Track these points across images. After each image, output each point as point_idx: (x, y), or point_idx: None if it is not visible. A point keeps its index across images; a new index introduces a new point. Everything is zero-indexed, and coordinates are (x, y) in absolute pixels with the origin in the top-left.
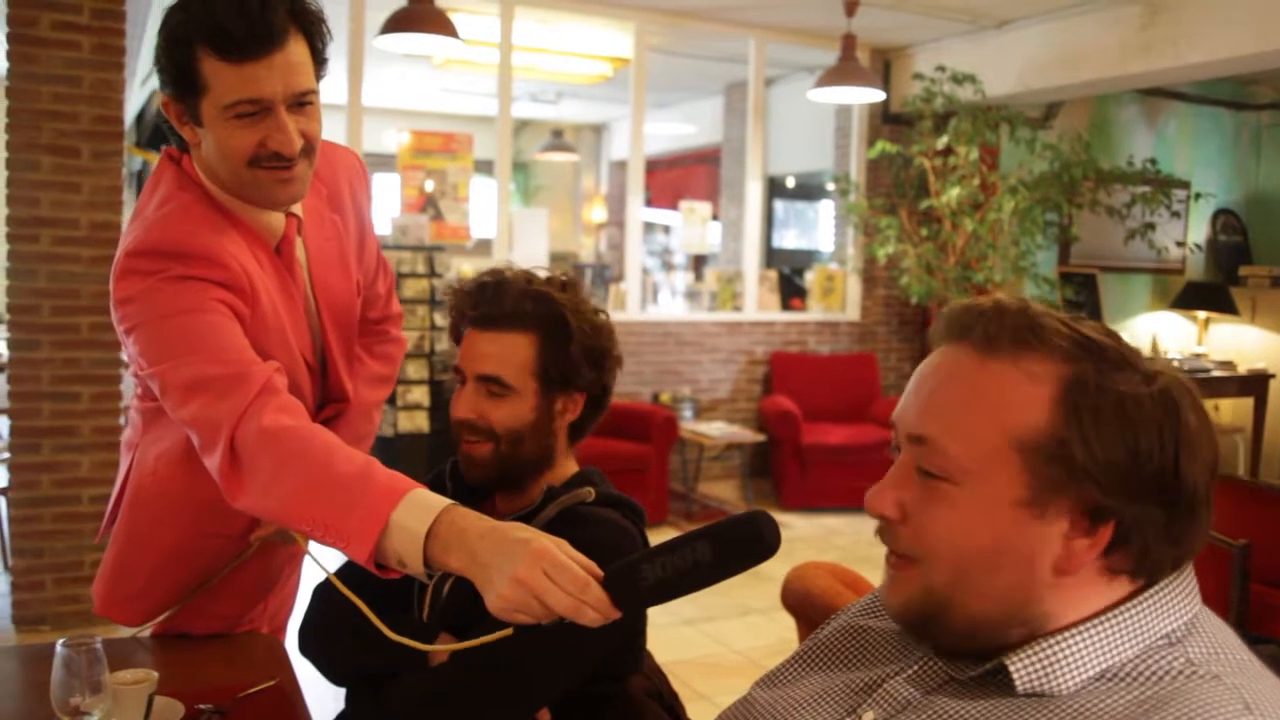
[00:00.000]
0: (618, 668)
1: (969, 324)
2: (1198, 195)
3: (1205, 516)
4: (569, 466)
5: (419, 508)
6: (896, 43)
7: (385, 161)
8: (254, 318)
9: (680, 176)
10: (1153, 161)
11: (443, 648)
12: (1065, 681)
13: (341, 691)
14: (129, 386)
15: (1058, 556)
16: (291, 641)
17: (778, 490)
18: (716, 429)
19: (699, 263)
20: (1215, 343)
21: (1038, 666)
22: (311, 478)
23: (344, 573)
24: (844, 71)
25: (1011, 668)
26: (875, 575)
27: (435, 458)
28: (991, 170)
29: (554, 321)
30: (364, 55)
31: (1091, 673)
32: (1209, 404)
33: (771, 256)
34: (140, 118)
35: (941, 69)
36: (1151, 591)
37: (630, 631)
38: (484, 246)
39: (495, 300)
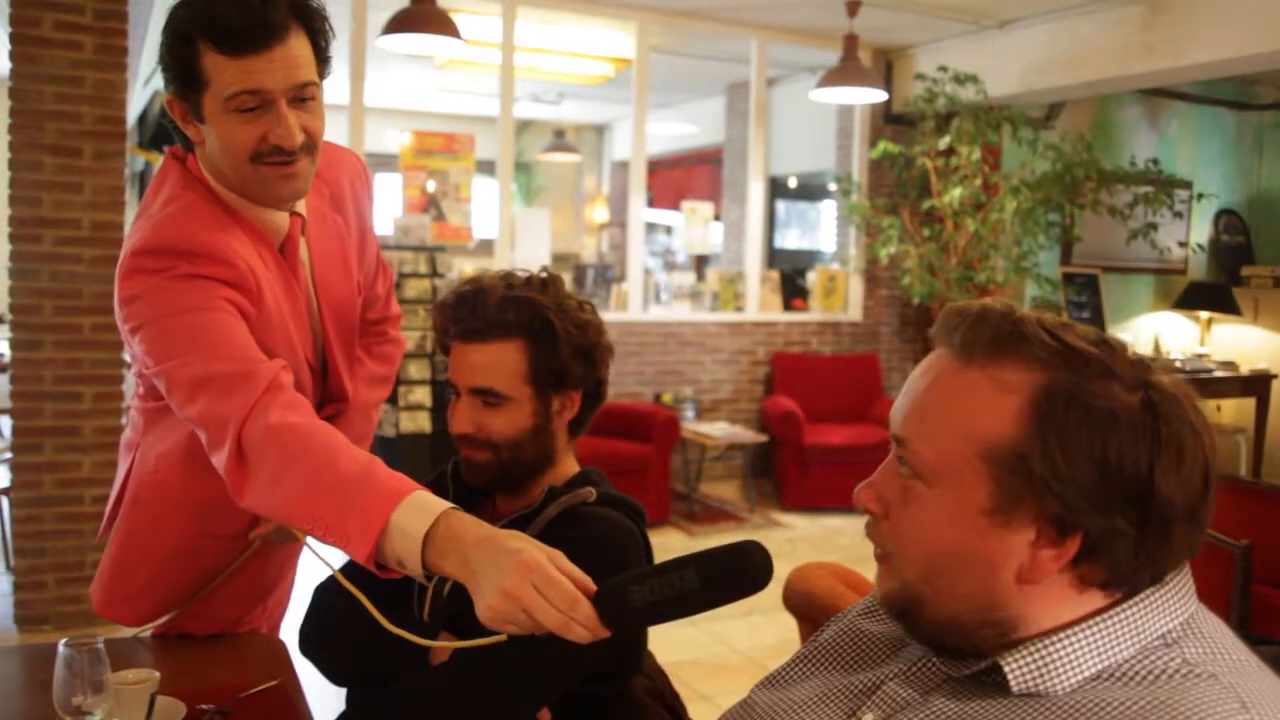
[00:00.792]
0: (619, 668)
1: (954, 327)
2: (1200, 195)
3: (1186, 532)
4: (570, 465)
5: (419, 510)
6: (898, 43)
7: (387, 162)
8: (259, 316)
9: (682, 177)
10: (1155, 162)
11: (440, 644)
12: (1061, 682)
13: (342, 692)
14: (130, 386)
15: (1022, 565)
16: (289, 641)
17: (779, 491)
18: (718, 429)
19: (701, 263)
20: (1217, 343)
21: (1033, 667)
22: (315, 476)
23: (346, 570)
24: (846, 72)
25: (1006, 668)
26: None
27: (437, 458)
28: (993, 170)
29: (539, 325)
30: (366, 55)
31: (1087, 673)
32: (1210, 405)
33: (773, 257)
34: (142, 118)
35: (944, 69)
36: (1147, 592)
37: (630, 634)
38: (486, 247)
39: (478, 311)
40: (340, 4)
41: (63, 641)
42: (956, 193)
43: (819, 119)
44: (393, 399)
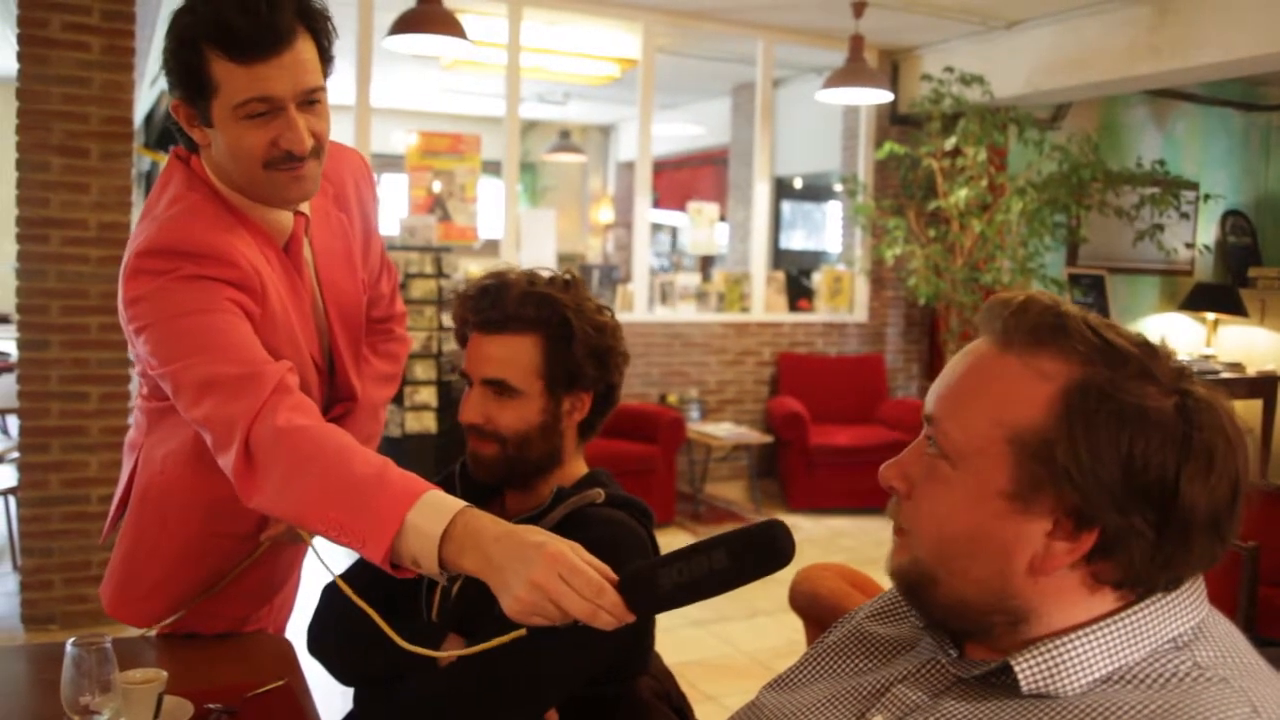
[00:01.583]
0: (625, 669)
1: (997, 314)
2: (1206, 196)
3: (1207, 542)
4: (578, 467)
5: (434, 509)
6: (904, 44)
7: (393, 162)
8: (264, 317)
9: (688, 177)
10: (1161, 163)
11: (456, 653)
12: (1071, 683)
13: (350, 691)
14: (136, 386)
15: (1035, 554)
16: (295, 641)
17: (785, 491)
18: (724, 430)
19: (706, 264)
20: (1224, 344)
21: (1043, 667)
22: (327, 479)
23: (352, 572)
24: (852, 72)
25: (1017, 668)
26: (883, 576)
27: (443, 458)
28: (999, 171)
29: (557, 323)
30: (372, 56)
31: (1098, 675)
32: None
33: (779, 257)
34: (149, 118)
35: (950, 70)
36: (1159, 595)
37: (639, 633)
38: (491, 247)
39: (498, 303)
40: (347, 5)
41: (71, 641)
42: (962, 194)
43: (825, 120)
44: (398, 399)
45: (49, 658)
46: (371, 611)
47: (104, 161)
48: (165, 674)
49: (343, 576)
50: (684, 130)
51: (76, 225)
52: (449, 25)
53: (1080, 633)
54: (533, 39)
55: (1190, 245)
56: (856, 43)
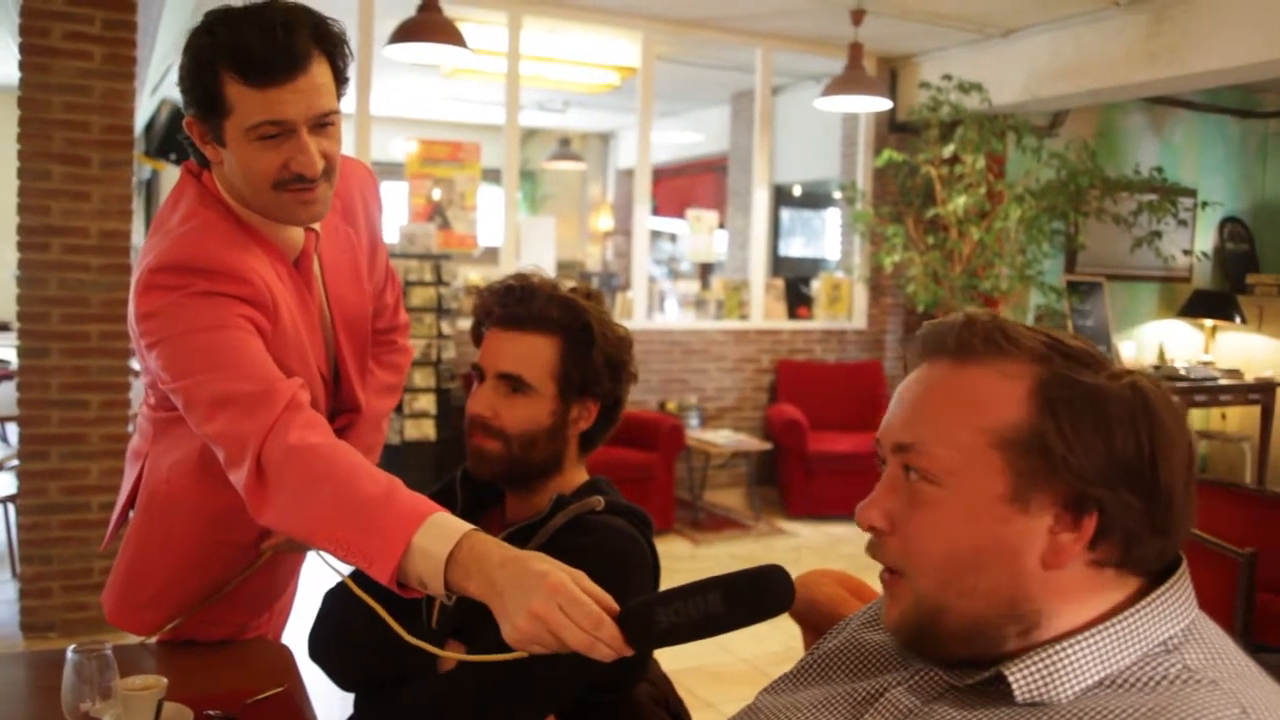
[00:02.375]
0: (624, 676)
1: (942, 336)
2: (1204, 203)
3: (1185, 510)
4: (579, 475)
5: (441, 532)
6: (903, 52)
7: (393, 170)
8: (275, 332)
9: (687, 185)
10: (1159, 170)
11: (459, 656)
12: (1064, 690)
13: (349, 698)
14: (137, 394)
15: (1044, 550)
16: (294, 647)
17: (784, 498)
18: (723, 437)
19: (706, 271)
20: (1222, 351)
21: (1036, 676)
22: (337, 499)
23: (354, 577)
24: (850, 80)
25: (1010, 677)
26: (879, 583)
27: (442, 465)
28: (998, 179)
29: (579, 327)
30: (372, 65)
31: (1090, 681)
32: (1215, 412)
33: (778, 265)
34: (149, 126)
35: (948, 78)
36: (1149, 599)
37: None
38: (491, 255)
39: (523, 301)
40: (348, 14)
41: (71, 648)
42: (961, 201)
43: (824, 127)
44: (398, 406)
45: (49, 664)
46: (379, 608)
47: (105, 170)
48: (165, 681)
49: (348, 578)
50: (683, 138)
51: (77, 233)
52: (449, 34)
53: (1073, 639)
54: (532, 47)
55: (1188, 252)
56: (855, 50)
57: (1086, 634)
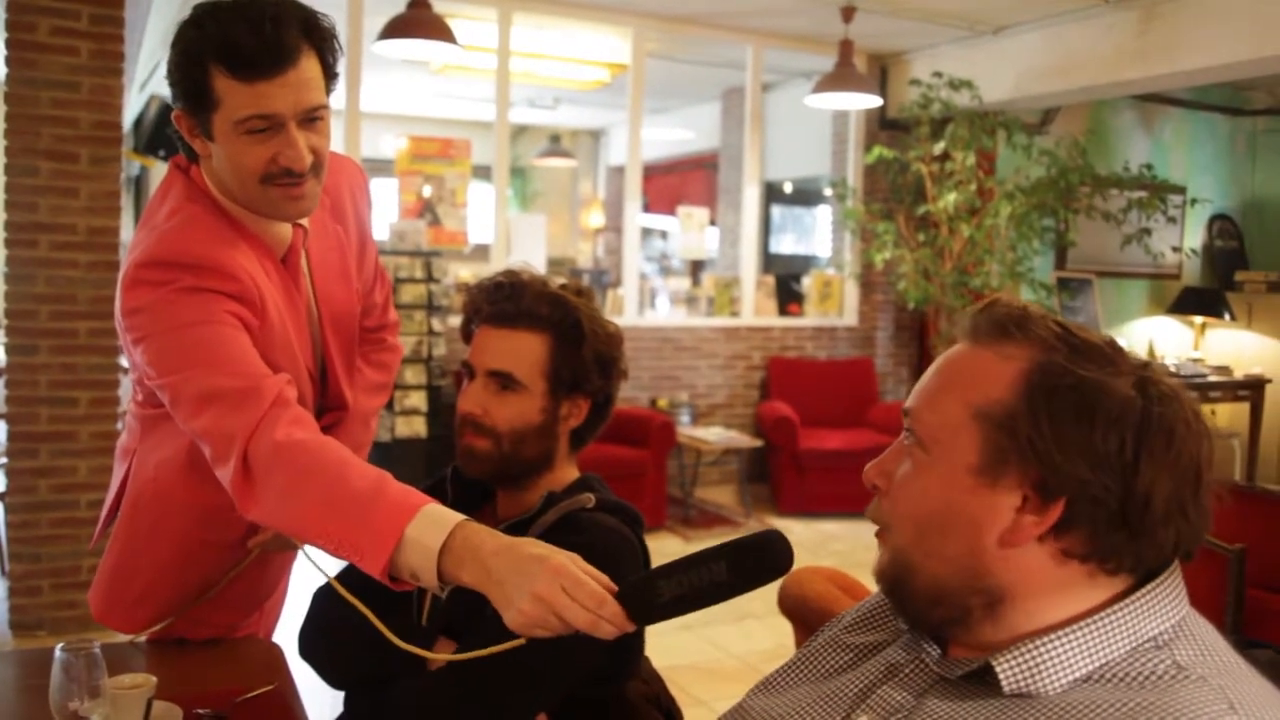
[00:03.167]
0: (615, 673)
1: (971, 318)
2: (1194, 201)
3: (1171, 523)
4: (569, 472)
5: (433, 523)
6: (893, 49)
7: (383, 167)
8: (261, 328)
9: (678, 182)
10: (1149, 167)
11: (453, 657)
12: (1052, 682)
13: (338, 696)
14: (126, 391)
15: (1005, 529)
16: (285, 646)
17: (775, 495)
18: (714, 434)
19: (697, 268)
20: (1212, 348)
21: (1024, 667)
22: (326, 493)
23: (343, 576)
24: (841, 77)
25: (998, 668)
26: (872, 580)
27: (433, 463)
28: (988, 176)
29: (569, 324)
30: (362, 61)
31: (1078, 674)
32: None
33: (769, 262)
34: (138, 122)
35: (938, 75)
36: (1138, 594)
37: (629, 636)
38: (481, 252)
39: (512, 298)
40: (337, 9)
41: (60, 646)
42: (951, 198)
43: (814, 124)
44: (388, 404)
45: (37, 663)
46: (366, 610)
47: (93, 166)
48: (154, 679)
49: (336, 578)
50: (674, 135)
51: (65, 230)
52: (438, 30)
53: (1061, 632)
54: (522, 44)
55: (1178, 249)
56: (846, 48)
57: (1074, 627)
